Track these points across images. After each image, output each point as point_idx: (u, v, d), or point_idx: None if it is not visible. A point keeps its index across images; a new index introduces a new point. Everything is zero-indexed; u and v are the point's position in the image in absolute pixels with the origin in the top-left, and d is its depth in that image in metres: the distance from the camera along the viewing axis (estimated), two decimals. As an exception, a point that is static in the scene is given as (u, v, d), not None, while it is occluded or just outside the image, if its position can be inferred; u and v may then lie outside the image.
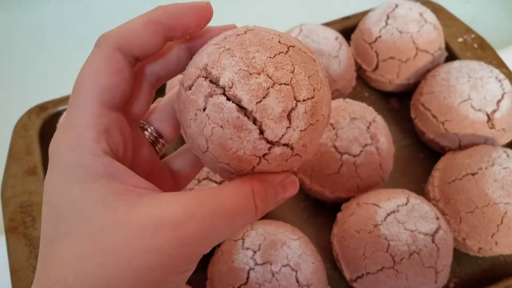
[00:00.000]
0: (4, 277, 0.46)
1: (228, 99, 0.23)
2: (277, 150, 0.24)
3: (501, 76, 0.51)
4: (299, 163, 0.26)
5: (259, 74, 0.23)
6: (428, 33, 0.56)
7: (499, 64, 0.60)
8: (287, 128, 0.23)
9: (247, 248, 0.40)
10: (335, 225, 0.47)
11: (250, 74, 0.23)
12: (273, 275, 0.39)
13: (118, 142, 0.24)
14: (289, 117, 0.23)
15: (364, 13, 0.63)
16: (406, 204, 0.43)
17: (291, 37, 0.26)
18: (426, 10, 0.58)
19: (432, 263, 0.41)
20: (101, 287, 0.21)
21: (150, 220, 0.21)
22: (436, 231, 0.42)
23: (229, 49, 0.24)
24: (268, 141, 0.23)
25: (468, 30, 0.63)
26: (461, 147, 0.51)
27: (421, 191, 0.52)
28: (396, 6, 0.57)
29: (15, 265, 0.45)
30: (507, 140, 0.52)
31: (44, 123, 0.55)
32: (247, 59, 0.23)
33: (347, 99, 0.51)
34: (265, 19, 0.82)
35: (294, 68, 0.24)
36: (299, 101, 0.24)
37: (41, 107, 0.56)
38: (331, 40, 0.55)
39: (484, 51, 0.61)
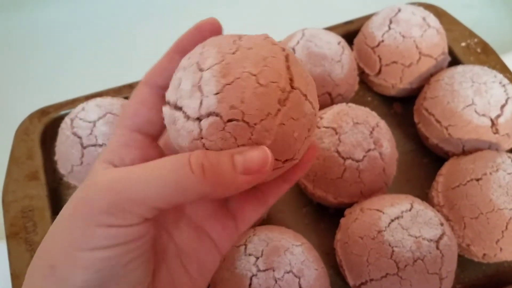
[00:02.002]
0: (5, 282, 0.45)
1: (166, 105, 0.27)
2: (204, 123, 0.24)
3: (505, 81, 0.51)
4: (261, 135, 0.24)
5: (177, 71, 0.26)
6: (431, 38, 0.55)
7: (502, 69, 0.59)
8: (200, 98, 0.24)
9: (250, 254, 0.40)
10: (338, 231, 0.47)
11: (173, 78, 0.27)
12: (276, 281, 0.38)
13: (134, 158, 0.27)
14: (199, 88, 0.24)
15: (367, 17, 0.63)
16: (410, 210, 0.43)
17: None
18: (429, 15, 0.57)
19: (437, 270, 0.40)
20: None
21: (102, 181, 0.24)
22: (441, 237, 0.41)
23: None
24: (195, 119, 0.24)
25: (471, 35, 0.63)
26: (465, 152, 0.51)
27: (425, 196, 0.52)
28: (399, 10, 0.57)
29: (16, 270, 0.45)
30: (511, 145, 0.52)
31: (46, 127, 0.55)
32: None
33: (350, 104, 0.51)
34: (268, 24, 0.82)
35: (204, 49, 0.26)
36: (204, 70, 0.24)
37: (43, 112, 0.56)
38: (334, 44, 0.55)
39: (487, 56, 0.61)
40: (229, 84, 0.24)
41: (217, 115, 0.24)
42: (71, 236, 0.24)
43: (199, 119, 0.24)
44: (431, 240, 0.41)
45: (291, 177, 0.31)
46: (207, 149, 0.24)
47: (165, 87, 0.27)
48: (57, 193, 0.53)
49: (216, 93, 0.24)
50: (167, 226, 0.29)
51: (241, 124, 0.24)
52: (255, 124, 0.24)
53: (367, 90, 0.62)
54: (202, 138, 0.24)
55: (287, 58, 0.26)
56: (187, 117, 0.24)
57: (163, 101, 0.27)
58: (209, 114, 0.24)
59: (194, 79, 0.24)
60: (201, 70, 0.24)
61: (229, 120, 0.24)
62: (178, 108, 0.25)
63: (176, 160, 0.24)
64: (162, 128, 0.29)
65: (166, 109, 0.26)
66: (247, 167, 0.24)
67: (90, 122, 0.47)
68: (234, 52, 0.25)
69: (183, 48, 0.28)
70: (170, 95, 0.26)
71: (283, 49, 0.26)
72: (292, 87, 0.25)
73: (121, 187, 0.24)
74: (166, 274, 0.28)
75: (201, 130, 0.24)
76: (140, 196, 0.23)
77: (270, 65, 0.24)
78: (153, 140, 0.29)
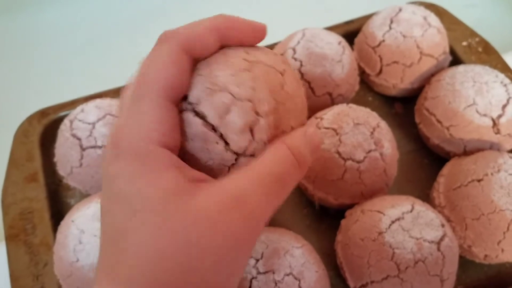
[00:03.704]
0: (4, 285, 0.45)
1: (197, 114, 0.25)
2: (243, 160, 0.26)
3: (507, 80, 0.51)
4: None
5: (221, 91, 0.25)
6: (432, 37, 0.55)
7: (504, 68, 0.59)
8: (250, 140, 0.25)
9: (250, 257, 0.40)
10: (339, 232, 0.46)
11: (213, 92, 0.25)
12: (276, 284, 0.38)
13: (177, 138, 0.25)
14: (252, 131, 0.25)
15: (367, 17, 0.62)
16: (411, 211, 0.42)
17: (260, 52, 0.27)
18: (430, 14, 0.57)
19: (438, 271, 0.40)
20: (182, 276, 0.22)
21: (215, 204, 0.22)
22: (442, 239, 0.41)
23: (197, 68, 0.26)
24: (234, 152, 0.25)
25: (473, 34, 0.63)
26: (466, 153, 0.51)
27: (426, 197, 0.51)
28: (400, 10, 0.57)
29: (15, 272, 0.45)
30: (513, 145, 0.52)
31: (45, 129, 0.55)
32: (211, 77, 0.25)
33: (350, 104, 0.50)
34: (269, 24, 0.81)
35: (255, 84, 0.25)
36: (261, 115, 0.25)
37: (42, 113, 0.56)
38: (334, 44, 0.54)
39: (488, 55, 0.60)
40: (276, 136, 0.26)
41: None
42: None
43: (238, 154, 0.26)
44: (432, 241, 0.40)
45: None
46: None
47: (197, 59, 0.26)
48: (57, 195, 0.53)
49: (265, 142, 0.26)
50: None
51: None
52: None
53: (368, 90, 0.62)
54: (232, 167, 0.26)
55: None
56: (228, 149, 0.25)
57: (191, 74, 0.26)
58: (251, 155, 0.26)
59: (247, 119, 0.25)
60: (257, 113, 0.25)
61: None
62: (219, 134, 0.25)
63: (278, 154, 0.25)
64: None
65: (196, 121, 0.25)
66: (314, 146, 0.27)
67: (89, 123, 0.47)
68: (284, 101, 0.26)
69: (220, 31, 0.26)
70: (207, 109, 0.25)
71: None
72: None
73: (249, 203, 0.23)
74: None
75: (235, 163, 0.26)
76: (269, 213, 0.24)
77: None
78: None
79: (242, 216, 0.23)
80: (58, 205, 0.52)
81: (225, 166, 0.26)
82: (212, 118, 0.25)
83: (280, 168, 0.25)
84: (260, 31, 0.28)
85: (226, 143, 0.25)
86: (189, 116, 0.25)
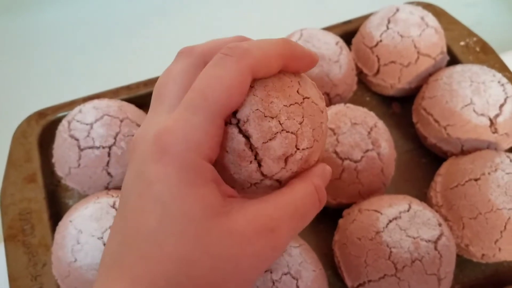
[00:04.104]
0: (3, 285, 0.45)
1: (240, 131, 0.26)
2: (267, 182, 0.27)
3: (504, 80, 0.51)
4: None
5: (272, 118, 0.26)
6: (429, 37, 0.55)
7: (502, 68, 0.59)
8: (282, 168, 0.27)
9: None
10: (337, 232, 0.46)
11: (265, 117, 0.26)
12: (274, 283, 0.38)
13: (217, 152, 0.26)
14: (286, 160, 0.27)
15: (365, 17, 0.62)
16: (408, 210, 0.42)
17: (309, 86, 0.29)
18: (428, 14, 0.57)
19: (435, 271, 0.40)
20: None
21: (248, 228, 0.24)
22: (439, 238, 0.41)
23: (253, 87, 0.26)
24: (262, 174, 0.27)
25: (470, 34, 0.63)
26: (463, 152, 0.51)
27: (423, 197, 0.52)
28: (397, 10, 0.57)
29: (14, 273, 0.45)
30: (510, 145, 0.52)
31: (44, 129, 0.55)
32: (266, 102, 0.26)
33: (348, 104, 0.51)
34: (267, 24, 0.82)
35: (303, 120, 0.27)
36: (299, 149, 0.27)
37: (40, 114, 0.56)
38: (332, 45, 0.54)
39: (486, 55, 0.61)
40: (303, 168, 0.28)
41: (279, 181, 0.28)
42: None
43: (265, 176, 0.27)
44: (429, 240, 0.41)
45: None
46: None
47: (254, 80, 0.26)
48: (55, 196, 0.53)
49: (293, 172, 0.27)
50: None
51: None
52: None
53: (365, 90, 0.62)
54: (254, 185, 0.28)
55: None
56: (259, 171, 0.27)
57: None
58: (276, 180, 0.27)
59: (287, 150, 0.26)
60: (296, 147, 0.27)
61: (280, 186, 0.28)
62: (255, 154, 0.26)
63: (307, 192, 0.27)
64: None
65: (239, 139, 0.26)
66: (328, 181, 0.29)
67: (87, 124, 0.47)
68: (319, 139, 0.28)
69: (285, 58, 0.27)
70: (253, 131, 0.26)
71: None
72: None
73: (279, 234, 0.25)
74: None
75: (259, 183, 0.27)
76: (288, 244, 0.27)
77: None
78: None
79: (272, 245, 0.25)
80: (57, 206, 0.52)
81: (249, 182, 0.27)
82: (256, 141, 0.26)
83: (307, 206, 0.27)
84: (314, 62, 0.29)
85: (260, 165, 0.26)
86: (234, 132, 0.26)
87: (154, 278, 0.22)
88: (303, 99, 0.27)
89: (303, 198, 0.26)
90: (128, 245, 0.24)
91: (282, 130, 0.26)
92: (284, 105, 0.26)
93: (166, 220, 0.23)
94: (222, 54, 0.25)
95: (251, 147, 0.26)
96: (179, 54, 0.28)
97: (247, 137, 0.26)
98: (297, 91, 0.27)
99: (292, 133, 0.26)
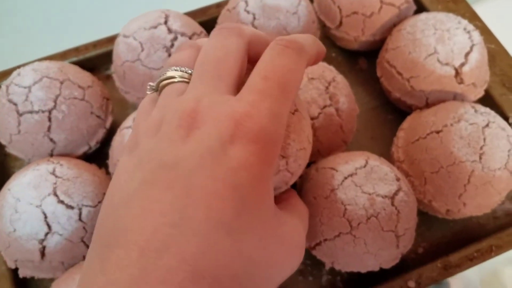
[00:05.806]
0: None
1: None
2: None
3: (470, 27, 0.48)
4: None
5: None
6: (394, -15, 0.52)
7: (472, 17, 0.56)
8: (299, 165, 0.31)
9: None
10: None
11: None
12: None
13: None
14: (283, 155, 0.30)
15: (328, -32, 0.59)
16: (364, 166, 0.40)
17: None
18: (392, -40, 0.54)
19: (392, 227, 0.38)
20: None
21: (293, 240, 0.26)
22: (396, 193, 0.39)
23: None
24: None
25: (440, -18, 0.59)
26: (428, 105, 0.48)
27: (389, 154, 0.49)
28: (360, -43, 0.53)
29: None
30: (478, 96, 0.49)
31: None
32: None
33: (306, 59, 0.48)
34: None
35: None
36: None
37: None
38: (290, -5, 0.51)
39: (456, 4, 0.57)
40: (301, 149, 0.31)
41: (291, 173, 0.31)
42: None
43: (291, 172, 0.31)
44: (385, 196, 0.38)
45: None
46: None
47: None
48: (4, 166, 0.51)
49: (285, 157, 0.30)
50: None
51: None
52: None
53: (331, 46, 0.59)
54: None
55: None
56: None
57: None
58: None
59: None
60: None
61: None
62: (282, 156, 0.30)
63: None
64: None
65: None
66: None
67: (25, 87, 0.44)
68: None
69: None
70: None
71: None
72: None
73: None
74: None
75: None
76: None
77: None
78: None
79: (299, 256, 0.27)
80: (6, 176, 0.49)
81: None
82: None
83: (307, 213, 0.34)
84: (322, 54, 0.31)
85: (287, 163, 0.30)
86: None
87: (218, 276, 0.20)
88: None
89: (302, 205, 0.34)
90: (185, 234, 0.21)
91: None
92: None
93: (244, 214, 0.22)
94: (282, 46, 0.26)
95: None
96: (227, 31, 0.27)
97: None
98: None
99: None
